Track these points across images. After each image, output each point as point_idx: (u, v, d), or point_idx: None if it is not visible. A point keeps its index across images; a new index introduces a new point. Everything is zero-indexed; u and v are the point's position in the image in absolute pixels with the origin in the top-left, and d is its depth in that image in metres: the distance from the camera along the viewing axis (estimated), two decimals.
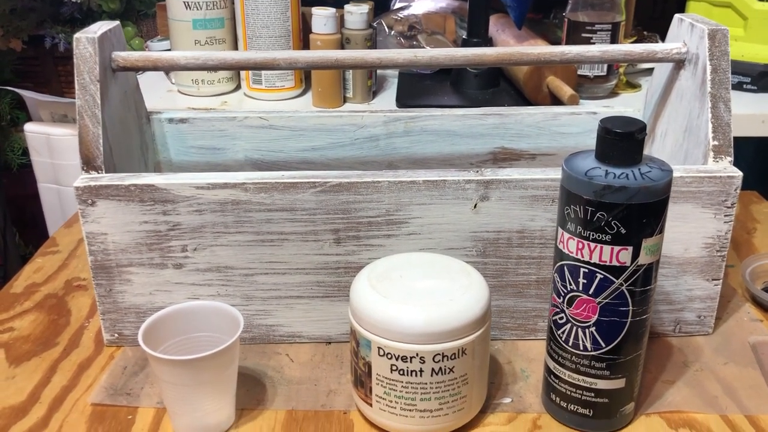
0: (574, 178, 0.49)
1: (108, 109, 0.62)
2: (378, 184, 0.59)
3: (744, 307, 0.70)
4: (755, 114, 0.92)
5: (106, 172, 0.60)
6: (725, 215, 0.61)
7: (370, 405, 0.54)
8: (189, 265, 0.61)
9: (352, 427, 0.55)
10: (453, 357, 0.51)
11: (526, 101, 1.06)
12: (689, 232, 0.61)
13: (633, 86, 1.16)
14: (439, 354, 0.50)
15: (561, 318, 0.53)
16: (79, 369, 0.61)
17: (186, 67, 0.66)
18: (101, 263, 0.61)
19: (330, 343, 0.65)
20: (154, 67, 0.65)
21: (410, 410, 0.52)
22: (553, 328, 0.54)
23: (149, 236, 0.60)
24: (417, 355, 0.50)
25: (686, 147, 0.65)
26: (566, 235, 0.50)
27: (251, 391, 0.59)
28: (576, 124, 0.77)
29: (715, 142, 0.61)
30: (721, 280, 0.63)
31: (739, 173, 0.60)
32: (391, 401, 0.52)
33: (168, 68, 0.66)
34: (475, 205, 0.60)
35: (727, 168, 0.60)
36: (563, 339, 0.53)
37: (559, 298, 0.52)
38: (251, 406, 0.57)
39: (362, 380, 0.53)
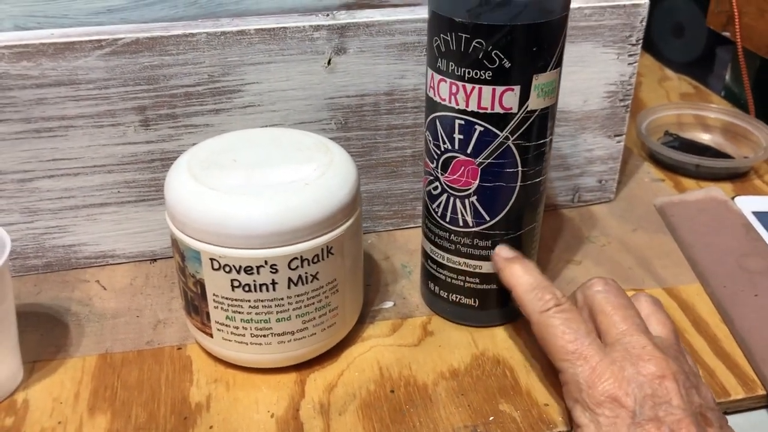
0: None
1: None
2: (192, 38, 0.43)
3: (643, 166, 0.61)
4: None
5: None
6: (630, 55, 0.50)
7: (210, 335, 0.40)
8: None
9: (189, 365, 0.42)
10: (316, 260, 0.38)
11: None
12: (588, 79, 0.51)
13: None
14: (296, 258, 0.37)
15: (436, 188, 0.41)
16: None
17: None
18: None
19: (155, 260, 0.50)
20: None
21: (264, 336, 0.39)
22: (428, 201, 0.42)
23: None
24: (266, 263, 0.37)
25: None
26: (437, 77, 0.38)
27: (47, 336, 0.43)
28: None
29: None
30: (624, 136, 0.54)
31: (646, 1, 0.49)
32: (237, 328, 0.39)
33: None
34: (329, 60, 0.46)
35: None
36: (439, 214, 0.41)
37: (433, 163, 0.40)
38: (48, 356, 0.42)
39: (195, 305, 0.39)
